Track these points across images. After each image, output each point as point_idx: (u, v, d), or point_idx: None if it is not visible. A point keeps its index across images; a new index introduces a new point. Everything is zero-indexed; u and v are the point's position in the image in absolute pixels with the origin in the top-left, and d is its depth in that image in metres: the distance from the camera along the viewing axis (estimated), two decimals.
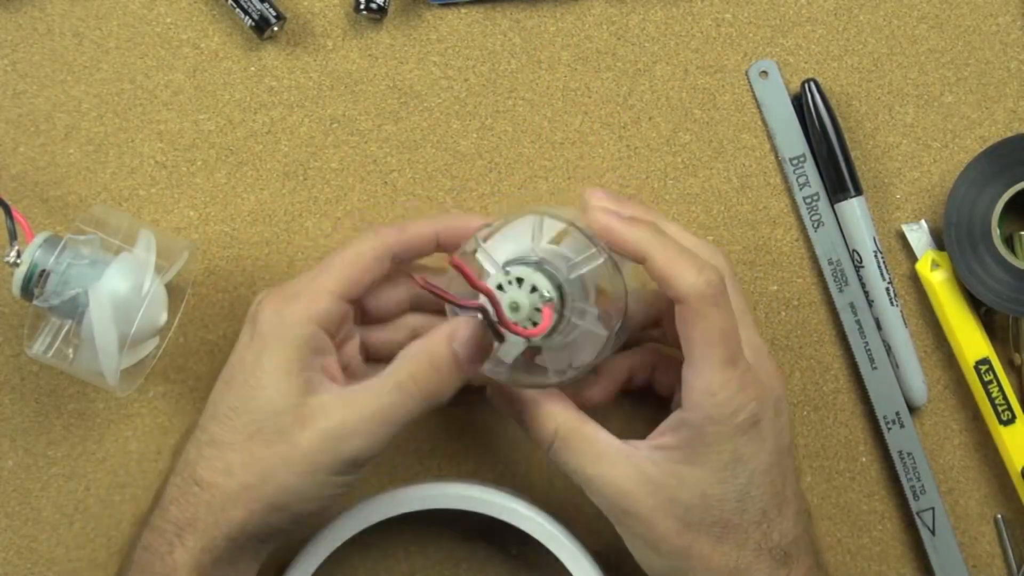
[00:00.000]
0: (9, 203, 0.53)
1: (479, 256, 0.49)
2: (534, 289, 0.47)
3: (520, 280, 0.47)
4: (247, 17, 0.58)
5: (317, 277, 0.51)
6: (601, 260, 0.49)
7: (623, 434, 0.50)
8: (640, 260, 0.48)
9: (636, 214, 0.50)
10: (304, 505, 0.49)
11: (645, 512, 0.48)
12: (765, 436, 0.48)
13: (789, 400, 0.59)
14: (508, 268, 0.48)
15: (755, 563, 0.48)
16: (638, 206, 0.53)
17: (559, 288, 0.48)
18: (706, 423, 0.47)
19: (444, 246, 0.53)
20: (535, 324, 0.47)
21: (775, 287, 0.60)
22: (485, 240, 0.49)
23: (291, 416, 0.48)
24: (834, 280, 0.59)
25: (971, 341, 0.59)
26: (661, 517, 0.48)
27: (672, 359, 0.55)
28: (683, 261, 0.47)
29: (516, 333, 0.47)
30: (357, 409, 0.48)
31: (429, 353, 0.48)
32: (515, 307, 0.47)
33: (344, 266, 0.51)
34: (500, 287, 0.47)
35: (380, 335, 0.55)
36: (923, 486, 0.59)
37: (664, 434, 0.49)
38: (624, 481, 0.49)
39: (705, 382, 0.47)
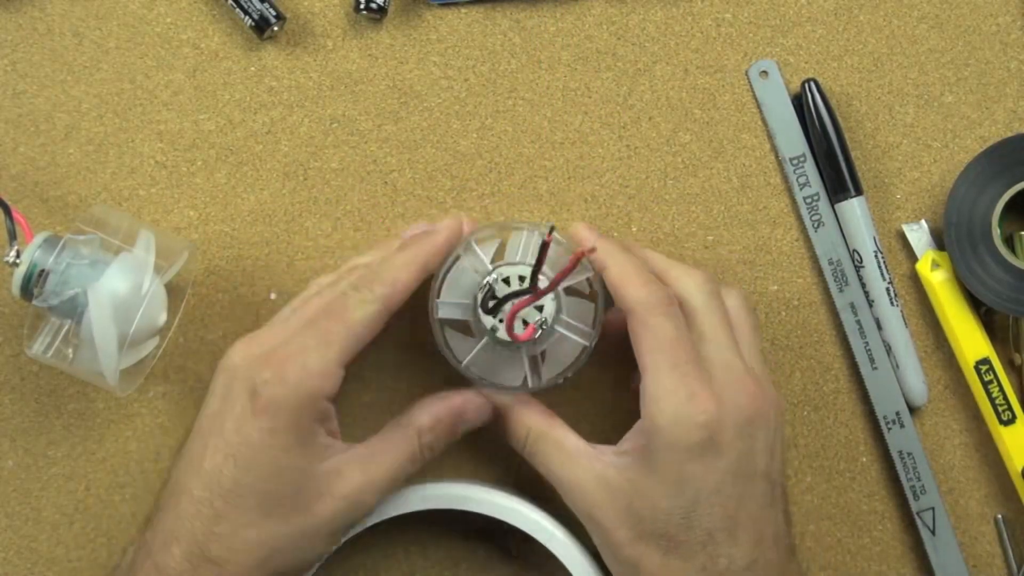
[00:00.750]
0: (9, 203, 0.53)
1: (470, 254, 0.53)
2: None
3: (507, 280, 0.52)
4: (247, 17, 0.58)
5: (322, 348, 0.49)
6: (584, 276, 0.52)
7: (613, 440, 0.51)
8: (600, 269, 0.51)
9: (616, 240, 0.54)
10: (312, 562, 0.51)
11: (605, 518, 0.49)
12: (721, 455, 0.48)
13: (789, 401, 0.59)
14: (500, 268, 0.52)
15: None
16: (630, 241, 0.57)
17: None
18: (655, 432, 0.48)
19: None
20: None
21: (775, 287, 0.60)
22: (478, 243, 0.53)
23: (308, 488, 0.48)
24: (834, 280, 0.59)
25: (971, 341, 0.59)
26: (618, 525, 0.49)
27: None
28: (634, 275, 0.50)
29: (514, 339, 0.51)
30: (374, 470, 0.49)
31: (451, 412, 0.52)
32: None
33: (351, 338, 0.49)
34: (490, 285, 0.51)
35: None
36: (923, 486, 0.59)
37: (628, 440, 0.50)
38: (588, 484, 0.50)
39: (653, 391, 0.48)
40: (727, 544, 0.48)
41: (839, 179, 0.59)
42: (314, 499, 0.48)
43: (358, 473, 0.49)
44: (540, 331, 0.51)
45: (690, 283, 0.52)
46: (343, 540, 0.51)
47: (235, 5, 0.58)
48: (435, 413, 0.52)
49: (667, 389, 0.48)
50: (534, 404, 0.53)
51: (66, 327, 0.54)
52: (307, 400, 0.48)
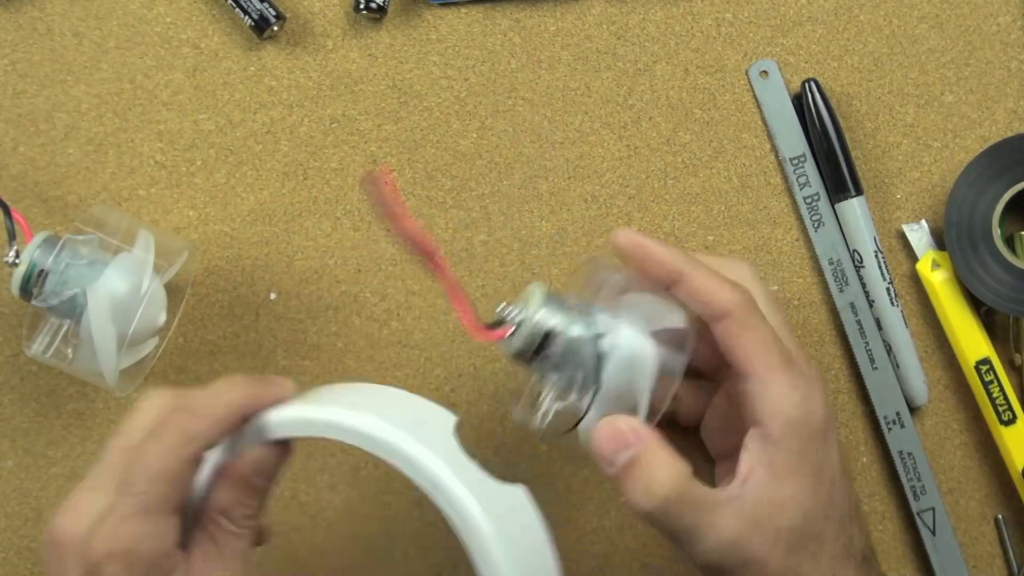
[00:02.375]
0: (8, 203, 0.54)
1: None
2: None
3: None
4: (247, 17, 0.58)
5: (134, 518, 0.43)
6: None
7: None
8: (673, 280, 0.47)
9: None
10: None
11: (758, 554, 0.45)
12: (833, 438, 0.47)
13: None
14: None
15: (843, 572, 0.46)
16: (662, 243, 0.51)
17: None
18: (789, 429, 0.45)
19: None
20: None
21: (775, 287, 0.60)
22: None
23: None
24: (834, 280, 0.59)
25: (972, 341, 0.58)
26: (770, 551, 0.45)
27: (694, 382, 0.52)
28: (718, 278, 0.46)
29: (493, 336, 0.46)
30: None
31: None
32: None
33: (159, 485, 0.43)
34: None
35: None
36: (923, 486, 0.59)
37: (746, 463, 0.46)
38: (732, 531, 0.45)
39: (777, 388, 0.45)
40: (856, 524, 0.47)
41: (839, 179, 0.59)
42: None
43: None
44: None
45: (744, 275, 0.49)
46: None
47: (235, 5, 0.58)
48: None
49: (791, 384, 0.45)
50: (668, 454, 0.45)
51: (65, 327, 0.54)
52: None
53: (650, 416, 0.46)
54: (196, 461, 0.44)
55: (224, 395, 0.44)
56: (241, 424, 0.45)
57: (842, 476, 0.47)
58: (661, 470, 0.45)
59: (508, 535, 0.44)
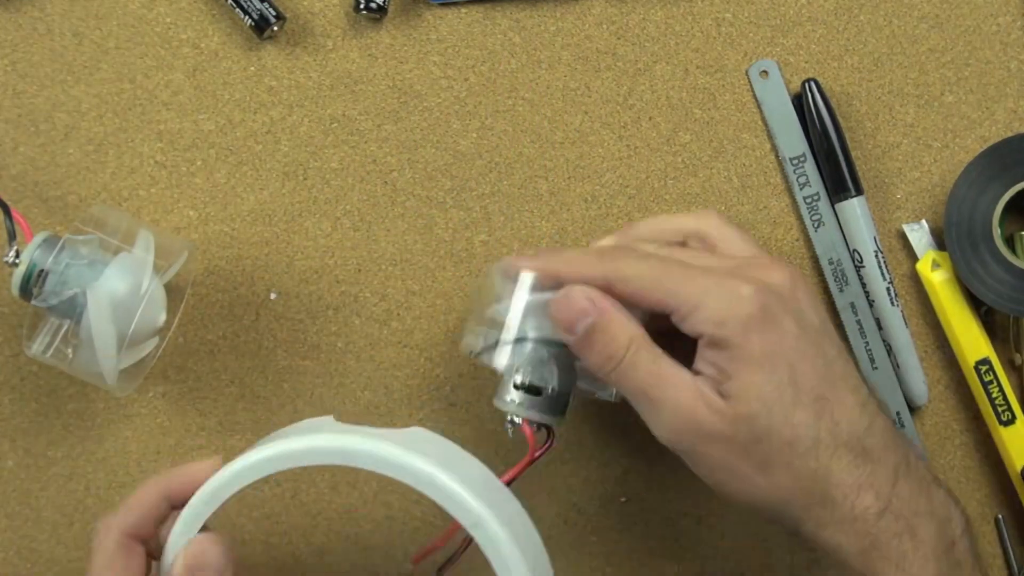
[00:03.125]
0: (8, 203, 0.54)
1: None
2: None
3: None
4: (247, 17, 0.58)
5: None
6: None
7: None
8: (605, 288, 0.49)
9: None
10: None
11: (713, 433, 0.47)
12: (779, 319, 0.47)
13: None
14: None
15: (833, 462, 0.46)
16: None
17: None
18: (716, 331, 0.46)
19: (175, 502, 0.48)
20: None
21: None
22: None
23: None
24: (835, 280, 0.59)
25: (972, 341, 0.58)
26: (730, 444, 0.46)
27: None
28: (582, 267, 0.49)
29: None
30: None
31: None
32: None
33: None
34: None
35: None
36: None
37: (701, 361, 0.48)
38: (691, 403, 0.47)
39: (687, 303, 0.47)
40: (838, 406, 0.47)
41: (839, 179, 0.59)
42: None
43: None
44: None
45: (709, 221, 0.52)
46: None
47: (235, 5, 0.58)
48: None
49: (697, 291, 0.47)
50: (625, 313, 0.49)
51: (65, 327, 0.54)
52: None
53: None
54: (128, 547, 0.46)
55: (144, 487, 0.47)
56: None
57: (802, 352, 0.47)
58: (619, 335, 0.48)
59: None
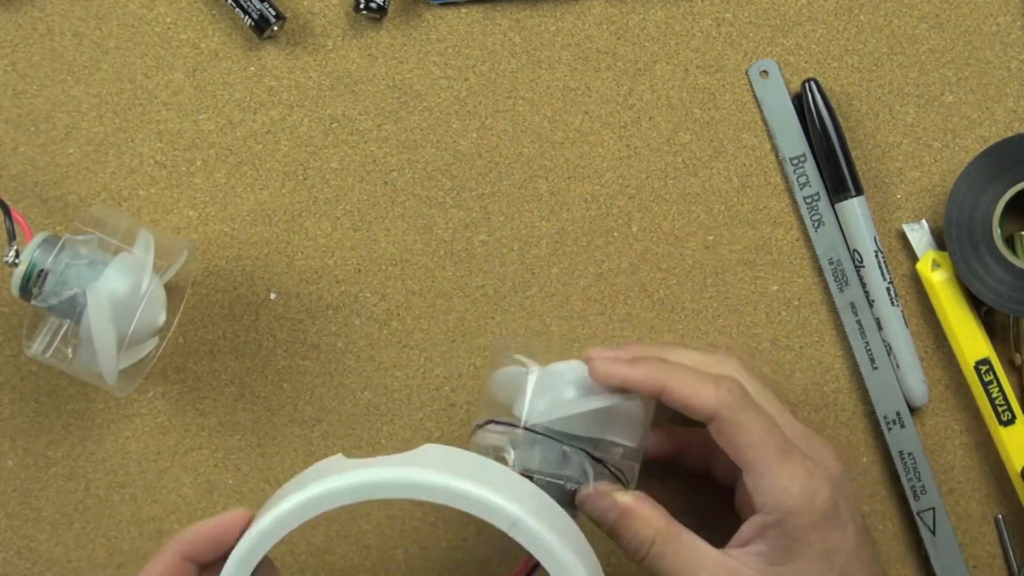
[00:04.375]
0: (8, 203, 0.54)
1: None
2: None
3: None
4: (247, 17, 0.58)
5: None
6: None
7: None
8: (656, 394, 0.50)
9: (638, 353, 0.52)
10: None
11: None
12: (845, 518, 0.49)
13: (791, 400, 0.59)
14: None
15: None
16: (637, 346, 0.55)
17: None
18: (790, 519, 0.48)
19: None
20: None
21: (775, 287, 0.60)
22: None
23: None
24: (834, 280, 0.59)
25: (971, 341, 0.58)
26: None
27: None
28: (697, 381, 0.49)
29: None
30: None
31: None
32: None
33: None
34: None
35: None
36: (924, 486, 0.59)
37: (752, 540, 0.49)
38: None
39: (773, 481, 0.48)
40: None
41: (839, 179, 0.59)
42: None
43: None
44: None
45: (730, 368, 0.52)
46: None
47: (235, 5, 0.58)
48: None
49: (787, 474, 0.48)
50: (658, 506, 0.50)
51: (65, 327, 0.54)
52: None
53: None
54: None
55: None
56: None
57: (856, 553, 0.49)
58: (641, 530, 0.49)
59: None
